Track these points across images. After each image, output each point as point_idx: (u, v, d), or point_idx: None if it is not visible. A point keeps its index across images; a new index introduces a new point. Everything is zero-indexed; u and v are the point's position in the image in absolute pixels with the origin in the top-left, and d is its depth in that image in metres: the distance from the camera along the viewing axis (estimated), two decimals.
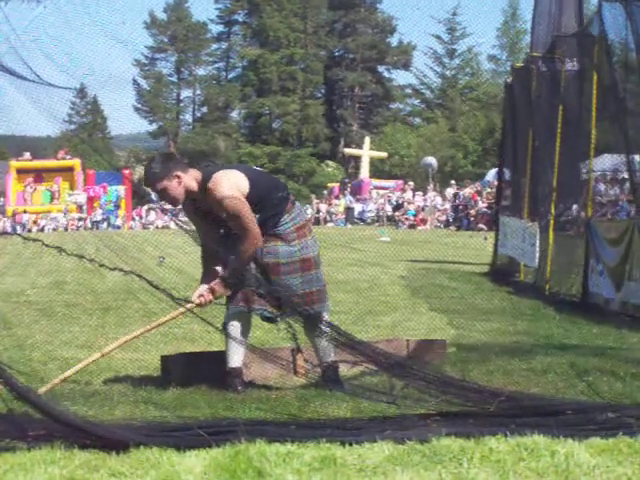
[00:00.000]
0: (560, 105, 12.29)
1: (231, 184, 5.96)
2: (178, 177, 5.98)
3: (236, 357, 6.13)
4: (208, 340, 7.86)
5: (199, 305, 6.06)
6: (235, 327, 6.13)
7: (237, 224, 5.94)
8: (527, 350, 7.55)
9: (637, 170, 9.97)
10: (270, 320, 6.20)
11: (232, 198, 5.90)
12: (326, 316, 6.25)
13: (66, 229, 45.73)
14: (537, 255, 12.78)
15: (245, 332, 6.19)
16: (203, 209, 6.10)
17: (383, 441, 4.39)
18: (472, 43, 73.47)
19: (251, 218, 5.93)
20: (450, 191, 42.92)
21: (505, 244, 15.75)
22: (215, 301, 6.12)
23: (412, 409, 5.14)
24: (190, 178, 6.02)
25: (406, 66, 76.61)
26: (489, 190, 38.35)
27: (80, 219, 46.95)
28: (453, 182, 45.41)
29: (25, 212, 46.69)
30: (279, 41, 73.12)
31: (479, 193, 39.55)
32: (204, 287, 6.07)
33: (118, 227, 46.52)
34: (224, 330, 6.14)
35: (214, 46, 78.84)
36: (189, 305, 6.07)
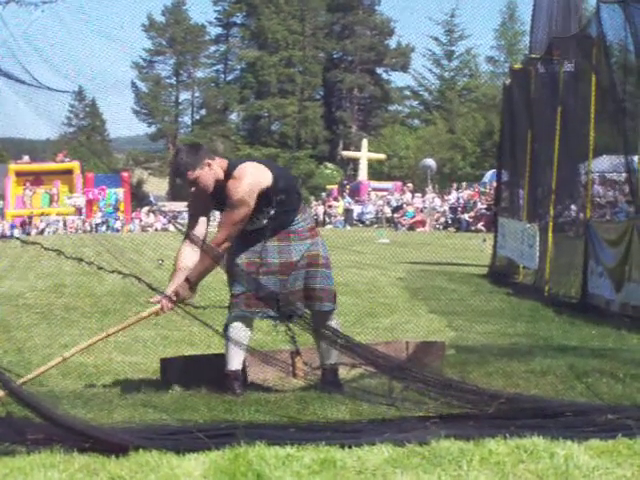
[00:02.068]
0: (558, 106, 12.29)
1: (255, 177, 6.01)
2: (209, 165, 6.06)
3: (235, 360, 6.13)
4: (207, 343, 7.86)
5: (157, 313, 6.06)
6: (236, 330, 6.12)
7: (228, 214, 5.99)
8: (526, 352, 7.55)
9: (636, 171, 9.97)
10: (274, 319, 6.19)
11: (245, 196, 5.95)
12: (334, 321, 6.28)
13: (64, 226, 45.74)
14: (537, 256, 12.77)
15: (246, 336, 6.18)
16: (214, 193, 6.14)
17: (382, 443, 4.39)
18: (470, 45, 73.35)
19: (239, 222, 5.98)
20: (454, 195, 42.71)
21: (504, 245, 15.75)
22: (179, 307, 6.09)
23: (411, 411, 5.14)
24: (218, 166, 6.09)
25: (404, 68, 76.69)
26: (485, 190, 38.39)
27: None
28: (463, 185, 44.95)
29: (43, 214, 46.64)
30: (277, 43, 73.14)
31: (482, 193, 39.48)
32: (168, 291, 6.06)
33: (117, 230, 46.48)
34: (225, 333, 6.14)
35: (212, 48, 79.08)
36: (146, 312, 6.10)
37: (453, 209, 40.55)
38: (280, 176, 6.17)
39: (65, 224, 46.26)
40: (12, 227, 44.91)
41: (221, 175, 6.08)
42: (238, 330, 6.12)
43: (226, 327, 6.16)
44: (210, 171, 6.05)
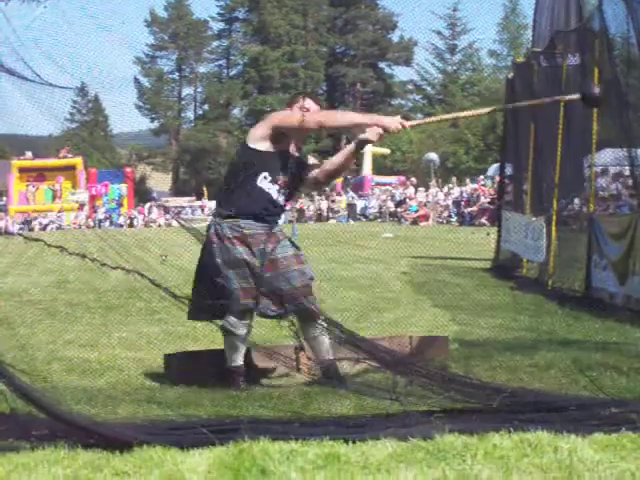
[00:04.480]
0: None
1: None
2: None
3: (236, 355, 6.12)
4: (211, 338, 7.85)
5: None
6: (232, 325, 6.10)
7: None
8: (530, 346, 7.54)
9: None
10: (273, 317, 6.20)
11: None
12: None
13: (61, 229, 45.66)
14: (544, 249, 12.74)
15: (244, 329, 6.14)
16: None
17: (386, 438, 4.38)
18: (473, 38, 73.47)
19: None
20: (457, 190, 42.55)
21: (508, 239, 15.74)
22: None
23: (415, 406, 5.13)
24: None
25: (407, 62, 76.61)
26: (489, 185, 38.32)
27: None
28: (467, 181, 44.66)
29: (70, 210, 46.64)
30: (280, 38, 73.09)
31: (485, 186, 39.38)
32: None
33: (120, 225, 46.47)
34: (223, 329, 6.13)
35: (215, 43, 79.03)
36: None
37: (456, 203, 40.47)
38: None
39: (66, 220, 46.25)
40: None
41: None
42: (235, 325, 6.09)
43: (224, 322, 6.15)
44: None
